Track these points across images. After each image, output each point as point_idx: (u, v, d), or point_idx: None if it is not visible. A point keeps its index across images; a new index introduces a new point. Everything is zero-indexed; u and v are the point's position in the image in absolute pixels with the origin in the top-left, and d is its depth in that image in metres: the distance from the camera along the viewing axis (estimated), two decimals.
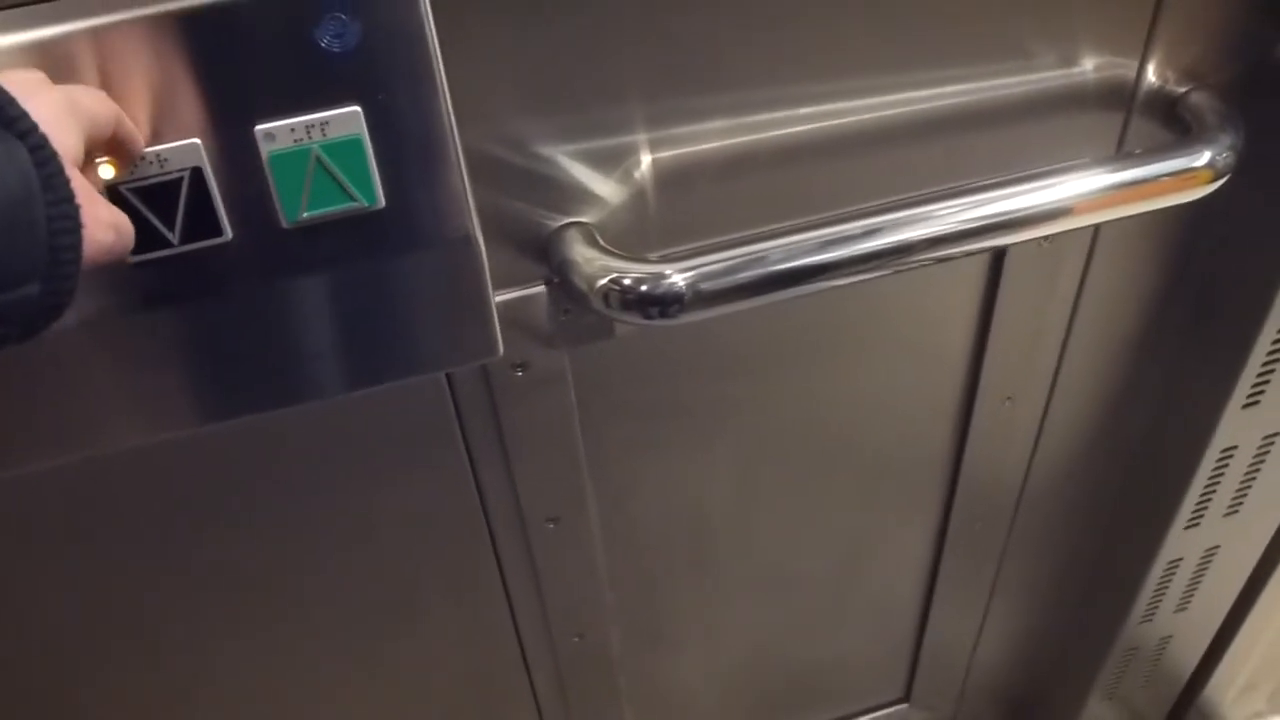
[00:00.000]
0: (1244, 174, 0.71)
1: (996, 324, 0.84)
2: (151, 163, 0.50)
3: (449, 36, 0.52)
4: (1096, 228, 0.80)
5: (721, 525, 0.93)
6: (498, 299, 0.63)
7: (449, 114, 0.53)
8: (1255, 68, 0.73)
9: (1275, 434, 0.92)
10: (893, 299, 0.81)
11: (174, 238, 0.52)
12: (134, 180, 0.50)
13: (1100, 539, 1.09)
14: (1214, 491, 0.96)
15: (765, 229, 0.66)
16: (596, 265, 0.64)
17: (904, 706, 1.27)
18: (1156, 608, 1.09)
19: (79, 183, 0.40)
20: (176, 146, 0.50)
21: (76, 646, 0.79)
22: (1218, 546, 1.04)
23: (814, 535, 0.99)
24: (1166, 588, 1.07)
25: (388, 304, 0.58)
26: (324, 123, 0.51)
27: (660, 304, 0.64)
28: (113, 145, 0.48)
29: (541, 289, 0.69)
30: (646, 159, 0.66)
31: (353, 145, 0.52)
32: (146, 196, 0.50)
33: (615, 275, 0.64)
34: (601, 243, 0.65)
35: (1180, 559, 1.04)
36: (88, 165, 0.48)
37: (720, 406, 0.83)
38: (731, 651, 1.08)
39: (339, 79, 0.51)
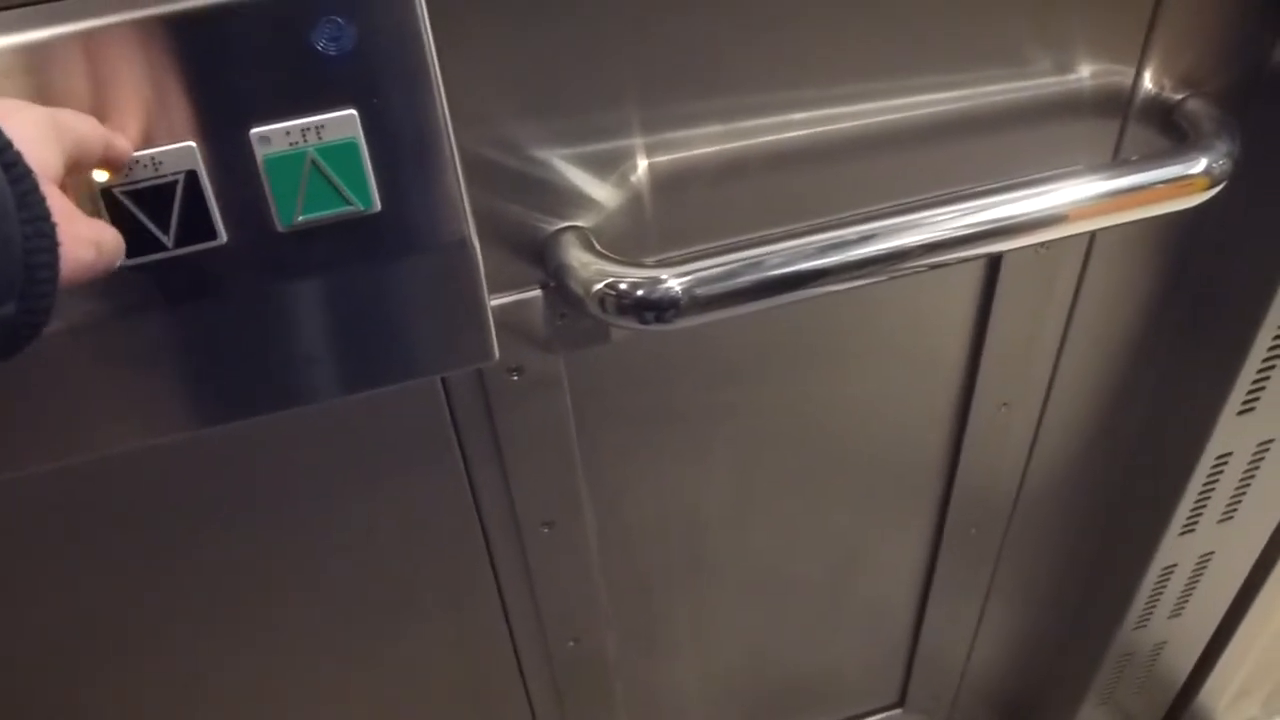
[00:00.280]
0: (1240, 180, 0.71)
1: (992, 329, 0.84)
2: (146, 166, 0.50)
3: (445, 39, 0.52)
4: (1093, 234, 0.80)
5: (717, 530, 0.93)
6: (493, 303, 0.63)
7: (445, 118, 0.53)
8: (1251, 75, 0.73)
9: (1270, 440, 0.92)
10: (888, 304, 0.81)
11: (168, 241, 0.51)
12: (128, 183, 0.50)
13: (1095, 545, 1.09)
14: (1209, 497, 0.96)
15: (761, 234, 0.66)
16: (592, 270, 0.64)
17: (898, 711, 1.27)
18: (1151, 613, 1.09)
19: (56, 200, 0.40)
20: (171, 150, 0.50)
21: (74, 647, 0.79)
22: (1212, 552, 1.04)
23: (809, 540, 0.99)
24: (1161, 593, 1.07)
25: (383, 308, 0.58)
26: (319, 126, 0.51)
27: (656, 309, 0.63)
28: (103, 166, 0.47)
29: (537, 293, 0.69)
30: (643, 163, 0.66)
31: (348, 149, 0.52)
32: (141, 200, 0.50)
33: (611, 280, 0.64)
34: (598, 247, 0.65)
35: (1175, 565, 1.04)
36: (78, 178, 0.47)
37: (716, 411, 0.83)
38: (726, 656, 1.08)
39: (334, 82, 0.51)
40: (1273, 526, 1.03)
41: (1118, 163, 0.73)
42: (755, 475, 0.90)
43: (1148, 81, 0.73)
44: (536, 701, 0.99)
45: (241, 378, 0.58)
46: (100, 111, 0.48)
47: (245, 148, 0.51)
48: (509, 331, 0.69)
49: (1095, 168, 0.70)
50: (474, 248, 0.58)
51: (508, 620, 0.90)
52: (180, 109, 0.49)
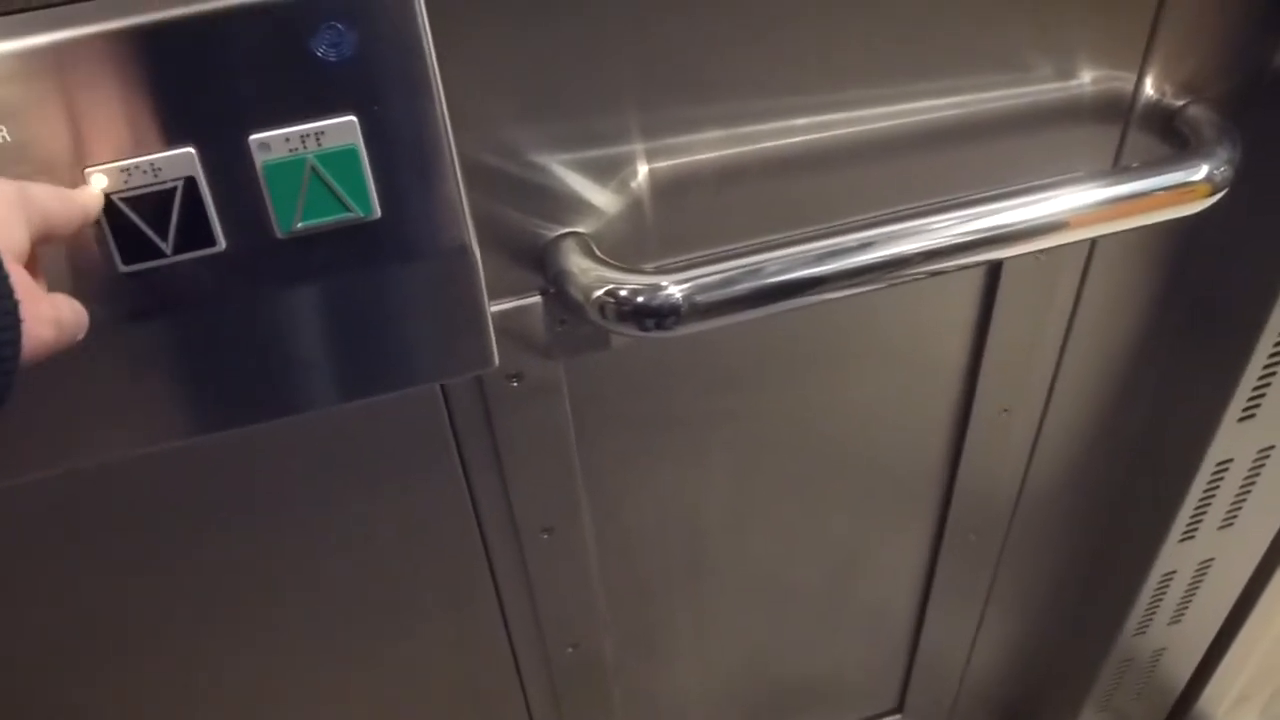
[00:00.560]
0: (1241, 186, 0.71)
1: (993, 335, 0.84)
2: (145, 172, 0.49)
3: (444, 44, 0.52)
4: (1094, 240, 0.80)
5: (716, 536, 0.93)
6: (493, 309, 0.62)
7: (445, 124, 0.53)
8: (1253, 81, 0.73)
9: (1270, 447, 0.92)
10: (888, 310, 0.81)
11: (167, 248, 0.51)
12: (127, 189, 0.49)
13: (1095, 550, 1.09)
14: (1209, 504, 0.96)
15: (762, 240, 0.66)
16: (592, 276, 0.64)
17: (898, 716, 1.27)
18: (1151, 620, 1.09)
19: (19, 278, 0.40)
20: (170, 156, 0.49)
21: (74, 647, 0.79)
22: (1212, 559, 1.03)
23: (809, 545, 0.98)
24: (1161, 600, 1.07)
25: (382, 315, 0.58)
26: (319, 132, 0.51)
27: (656, 316, 0.63)
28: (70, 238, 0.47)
29: (537, 299, 0.69)
30: (643, 169, 0.66)
31: (348, 155, 0.52)
32: (140, 206, 0.50)
33: (611, 286, 0.63)
34: (598, 253, 0.65)
35: (1174, 571, 1.04)
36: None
37: (715, 416, 0.83)
38: (725, 662, 1.08)
39: (334, 88, 0.50)
40: (1273, 533, 1.03)
41: (1118, 169, 0.73)
42: (755, 480, 0.89)
43: (1149, 87, 0.73)
44: (535, 707, 0.99)
45: (240, 385, 0.58)
46: (98, 117, 0.48)
47: (245, 154, 0.50)
48: (508, 338, 0.69)
49: (1096, 174, 0.70)
50: (474, 254, 0.57)
51: (506, 626, 0.90)
52: (179, 115, 0.49)
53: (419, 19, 0.50)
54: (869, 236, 0.66)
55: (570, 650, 0.95)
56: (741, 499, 0.90)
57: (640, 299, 0.63)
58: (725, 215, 0.69)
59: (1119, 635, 1.10)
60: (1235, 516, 0.98)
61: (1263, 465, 0.94)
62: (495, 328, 0.62)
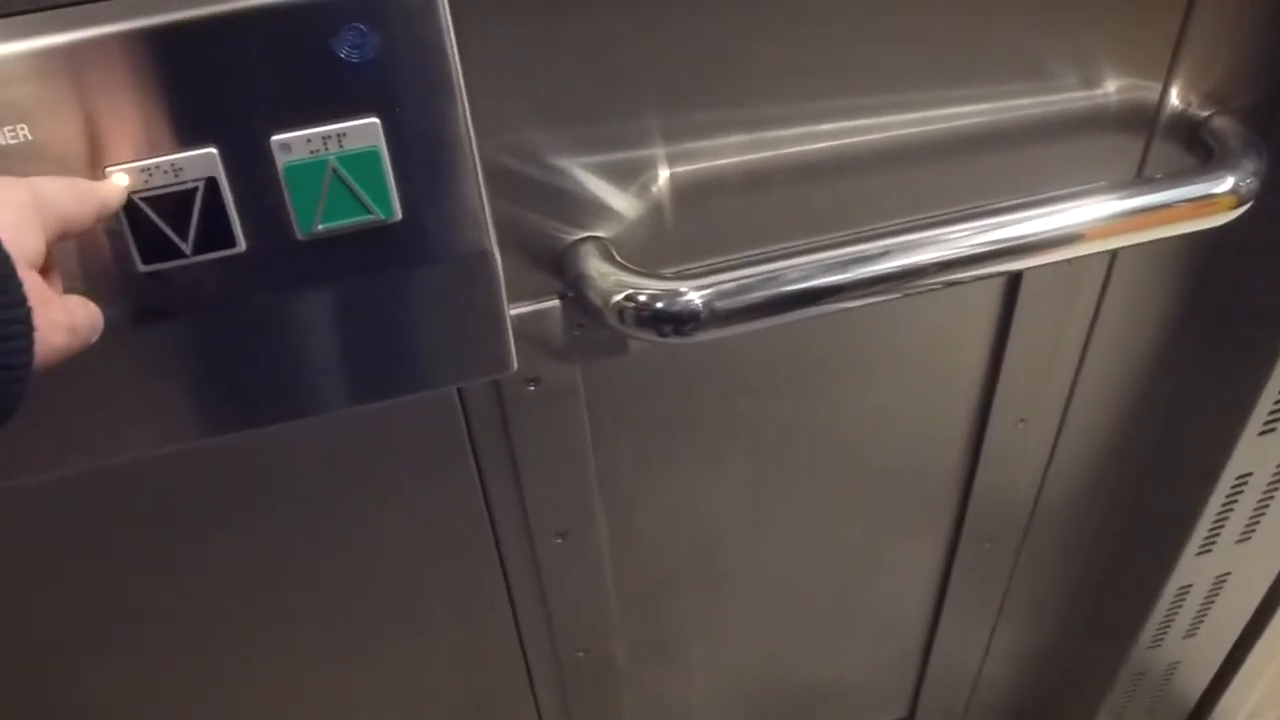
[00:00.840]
0: (1265, 198, 0.70)
1: (1012, 344, 0.83)
2: (166, 172, 0.49)
3: (464, 45, 0.51)
4: (1115, 250, 0.80)
5: (729, 541, 0.92)
6: (511, 312, 0.62)
7: (468, 126, 0.53)
8: (1279, 92, 0.73)
9: None
10: (907, 318, 0.81)
11: (187, 248, 0.51)
12: (148, 189, 0.49)
13: (1111, 562, 1.08)
14: (1227, 518, 0.95)
15: (782, 247, 0.66)
16: (612, 281, 0.64)
17: None
18: (1165, 633, 1.08)
19: (33, 284, 0.39)
20: (192, 156, 0.49)
21: (74, 650, 0.79)
22: (1229, 573, 1.03)
23: (822, 552, 0.98)
24: (1176, 613, 1.06)
25: (401, 318, 0.57)
26: (341, 134, 0.51)
27: (675, 322, 0.63)
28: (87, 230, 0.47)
29: (555, 303, 0.68)
30: (664, 173, 0.65)
31: (370, 157, 0.51)
32: (160, 206, 0.50)
33: (631, 291, 0.63)
34: (617, 258, 0.65)
35: (1190, 585, 1.03)
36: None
37: (731, 423, 0.83)
38: (737, 668, 1.07)
39: (357, 90, 0.50)
40: None
41: (1142, 180, 0.72)
42: (770, 486, 0.89)
43: (1174, 98, 0.72)
44: (545, 711, 0.99)
45: (257, 386, 0.58)
46: (120, 116, 0.48)
47: (266, 155, 0.50)
48: (526, 342, 0.68)
49: (1120, 185, 0.69)
50: (494, 258, 0.57)
51: (518, 629, 0.90)
52: (201, 115, 0.49)
53: (442, 20, 0.50)
54: (890, 245, 0.65)
55: (581, 655, 0.94)
56: (756, 504, 0.90)
57: (659, 304, 0.63)
58: (746, 221, 0.68)
59: (1133, 647, 1.10)
60: (1254, 530, 0.98)
61: None
62: (513, 331, 0.62)
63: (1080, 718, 1.23)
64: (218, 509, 0.72)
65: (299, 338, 0.57)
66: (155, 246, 0.51)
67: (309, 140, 0.50)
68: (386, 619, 0.84)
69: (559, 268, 0.66)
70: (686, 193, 0.66)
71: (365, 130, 0.51)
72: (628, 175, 0.65)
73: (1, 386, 0.38)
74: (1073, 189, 0.69)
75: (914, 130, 0.68)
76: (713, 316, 0.63)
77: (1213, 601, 1.06)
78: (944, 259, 0.66)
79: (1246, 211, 0.70)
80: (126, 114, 0.48)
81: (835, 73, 0.65)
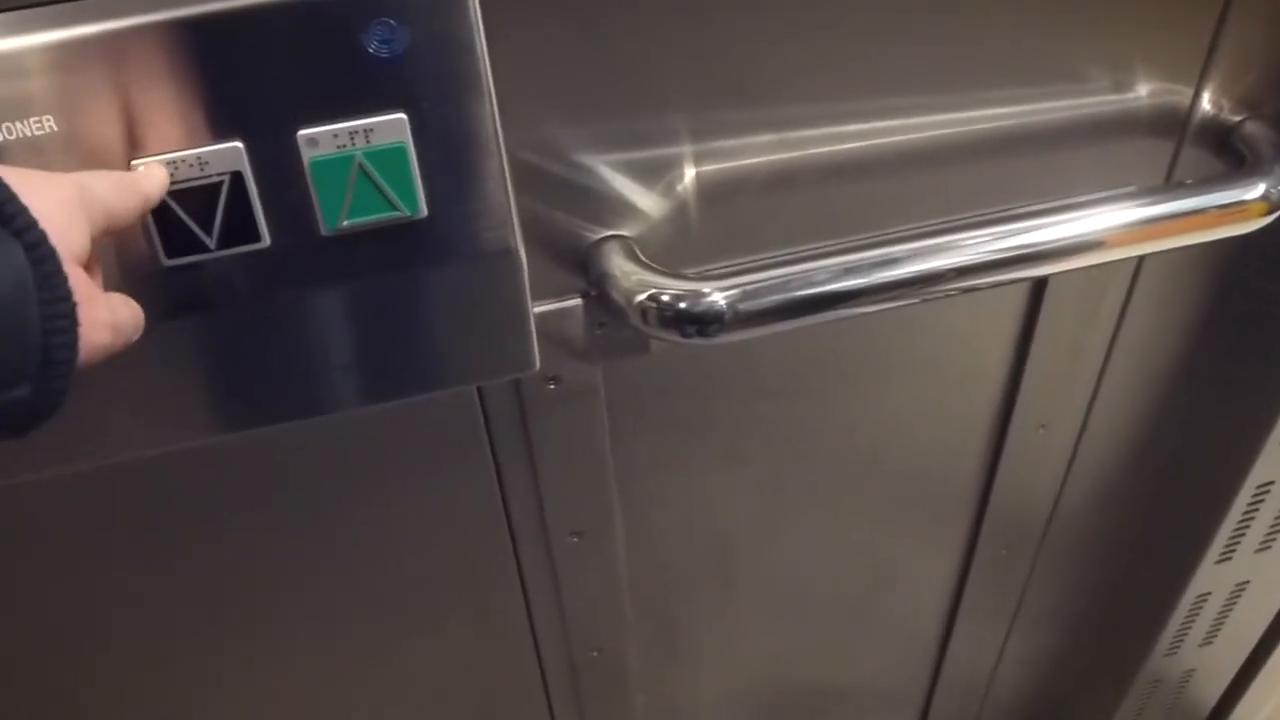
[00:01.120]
0: None
1: (1035, 349, 0.83)
2: (192, 165, 0.49)
3: (491, 41, 0.51)
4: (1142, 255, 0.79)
5: (745, 542, 0.92)
6: (533, 310, 0.62)
7: (496, 123, 0.52)
8: None
9: None
10: (929, 320, 0.80)
11: (211, 242, 0.50)
12: (173, 183, 0.49)
13: (1128, 568, 1.07)
14: (1248, 527, 0.95)
15: (809, 248, 0.65)
16: (635, 280, 0.63)
17: None
18: (1182, 641, 1.08)
19: (78, 280, 0.39)
20: (218, 149, 0.49)
21: (76, 650, 0.78)
22: (1248, 582, 1.02)
23: (838, 555, 0.97)
24: (1193, 621, 1.05)
25: (425, 315, 0.57)
26: (368, 129, 0.50)
27: (699, 323, 0.62)
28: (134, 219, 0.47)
29: (577, 302, 0.68)
30: (690, 172, 0.65)
31: (397, 153, 0.51)
32: (185, 199, 0.49)
33: (654, 291, 0.62)
34: (641, 257, 0.64)
35: (1209, 593, 1.02)
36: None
37: (751, 423, 0.82)
38: (750, 669, 1.07)
39: (385, 85, 0.50)
40: None
41: (1172, 185, 0.72)
42: (788, 488, 0.88)
43: (1206, 102, 0.71)
44: (558, 710, 0.98)
45: (278, 382, 0.57)
46: (146, 109, 0.47)
47: (292, 150, 0.50)
48: (547, 340, 0.68)
49: (1150, 191, 0.69)
50: (520, 257, 0.56)
51: (532, 628, 0.89)
52: (228, 108, 0.48)
53: (472, 16, 0.49)
54: (916, 249, 0.65)
55: (595, 654, 0.94)
56: (774, 506, 0.89)
57: (683, 305, 0.62)
58: (772, 221, 0.68)
59: (1149, 655, 1.09)
60: (1273, 539, 0.97)
61: None
62: (535, 330, 0.61)
63: None
64: (231, 506, 0.72)
65: (321, 334, 0.56)
66: (179, 240, 0.50)
67: (336, 135, 0.50)
68: (400, 617, 0.84)
69: (582, 266, 0.66)
70: (712, 192, 0.66)
71: (392, 126, 0.50)
72: (653, 174, 0.64)
73: (46, 382, 0.38)
74: (1102, 194, 0.68)
75: (942, 132, 0.68)
76: (736, 318, 0.62)
77: (1230, 609, 1.05)
78: (971, 263, 0.65)
79: (1278, 219, 0.69)
80: (153, 106, 0.48)
81: (864, 73, 0.64)
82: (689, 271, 0.64)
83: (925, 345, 0.82)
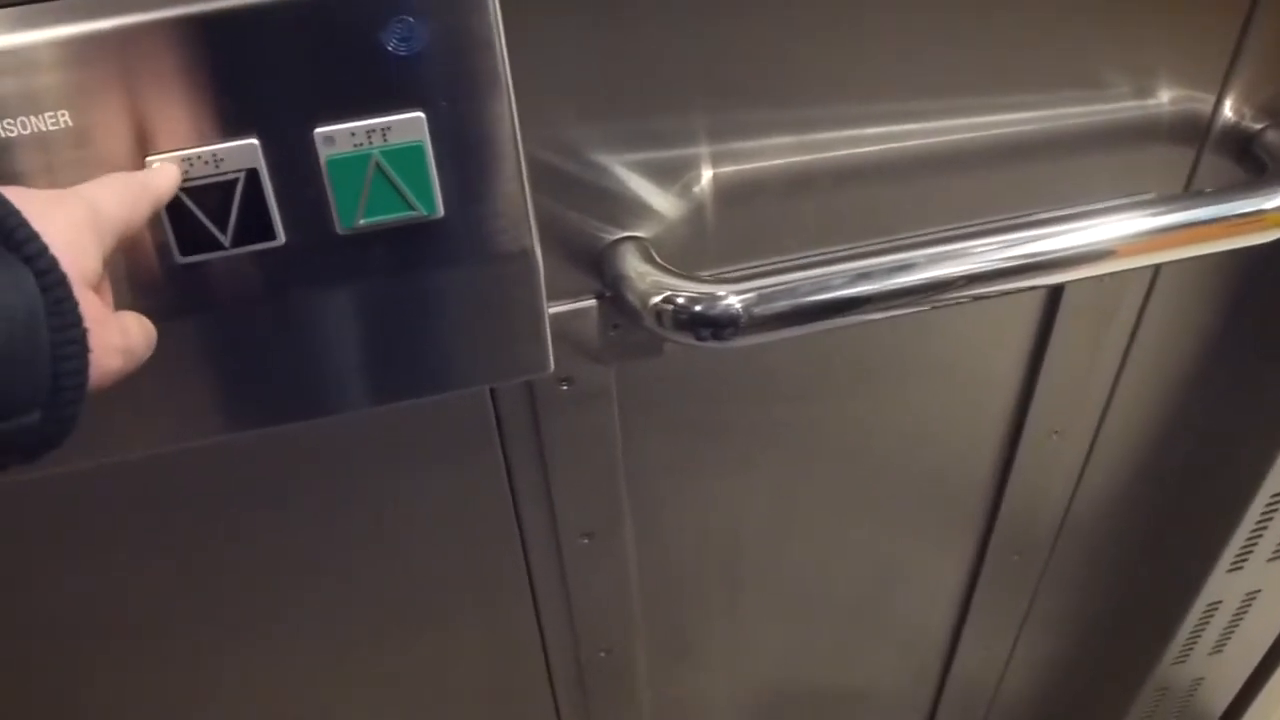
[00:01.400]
0: None
1: (1050, 356, 0.82)
2: (207, 162, 0.48)
3: (511, 40, 0.50)
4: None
5: (755, 545, 0.91)
6: (548, 311, 0.61)
7: (514, 123, 0.52)
8: None
9: None
10: (944, 326, 0.79)
11: (226, 240, 0.50)
12: (188, 180, 0.48)
13: (1139, 577, 1.07)
14: (1260, 536, 0.94)
15: (824, 252, 0.65)
16: (650, 282, 0.63)
17: None
18: (1191, 649, 1.07)
19: (89, 304, 0.38)
20: (234, 146, 0.48)
21: (76, 650, 0.78)
22: (1259, 590, 1.01)
23: (849, 559, 0.97)
24: (1204, 629, 1.05)
25: (439, 316, 0.56)
26: (385, 128, 0.50)
27: (714, 326, 0.62)
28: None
29: (592, 303, 0.67)
30: (707, 174, 0.64)
31: (414, 152, 0.50)
32: (200, 196, 0.49)
33: (669, 293, 0.62)
34: (657, 259, 0.64)
35: (1220, 601, 1.02)
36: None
37: (763, 427, 0.81)
38: (757, 673, 1.06)
39: (403, 83, 0.49)
40: None
41: (1190, 194, 0.71)
42: (799, 492, 0.88)
43: (1228, 110, 0.71)
44: (564, 710, 0.98)
45: (292, 381, 0.57)
46: (161, 105, 0.47)
47: (309, 147, 0.49)
48: (561, 341, 0.67)
49: (1167, 199, 0.68)
50: (536, 257, 0.56)
51: (540, 628, 0.89)
52: (244, 105, 0.48)
53: (492, 15, 0.49)
54: (933, 254, 0.64)
55: (603, 655, 0.93)
56: (784, 510, 0.89)
57: (698, 308, 0.62)
58: (789, 224, 0.67)
59: (1158, 662, 1.08)
60: None
61: None
62: (549, 331, 0.61)
63: None
64: (242, 503, 0.72)
65: (335, 333, 0.56)
66: (194, 238, 0.50)
67: (353, 133, 0.49)
68: (409, 615, 0.83)
69: (597, 267, 0.65)
70: (729, 194, 0.65)
71: (410, 125, 0.50)
72: (670, 174, 0.64)
73: (56, 410, 0.37)
74: (1118, 201, 0.67)
75: (962, 136, 0.67)
76: (752, 322, 0.62)
77: (1241, 618, 1.05)
78: (987, 270, 0.65)
79: None
80: (168, 103, 0.47)
81: (884, 76, 0.63)
82: (704, 274, 0.64)
83: (939, 350, 0.81)
